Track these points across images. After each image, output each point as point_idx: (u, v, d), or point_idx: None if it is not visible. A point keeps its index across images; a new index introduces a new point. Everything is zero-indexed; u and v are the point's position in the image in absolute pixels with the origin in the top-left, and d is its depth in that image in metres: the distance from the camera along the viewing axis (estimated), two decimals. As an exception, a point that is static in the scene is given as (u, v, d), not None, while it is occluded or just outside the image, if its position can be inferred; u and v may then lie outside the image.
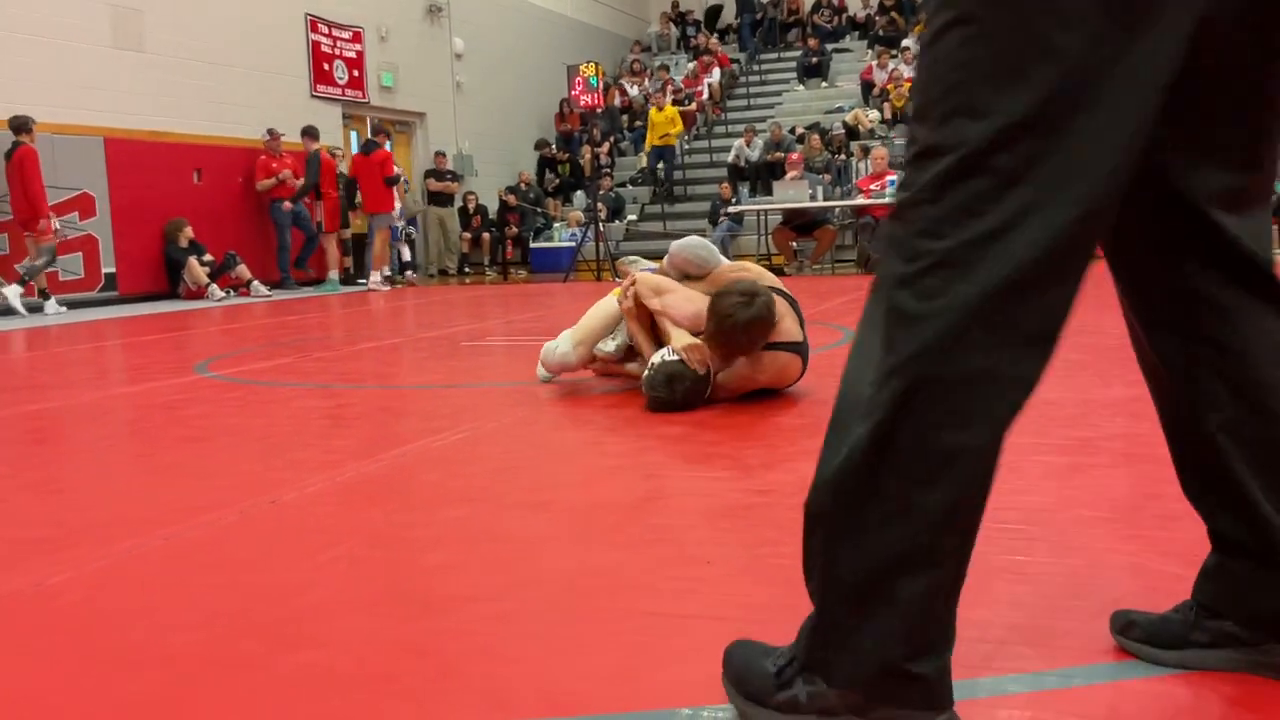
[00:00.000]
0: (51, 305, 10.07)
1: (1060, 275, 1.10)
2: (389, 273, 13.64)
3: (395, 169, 13.17)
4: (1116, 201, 1.11)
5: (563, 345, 3.98)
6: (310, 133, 12.91)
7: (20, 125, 9.87)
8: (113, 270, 11.23)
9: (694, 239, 4.00)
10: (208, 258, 11.83)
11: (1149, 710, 1.30)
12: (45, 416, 4.02)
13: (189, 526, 2.33)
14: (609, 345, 3.97)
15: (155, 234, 11.66)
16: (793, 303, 3.64)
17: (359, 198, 13.34)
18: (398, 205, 13.63)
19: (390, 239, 13.61)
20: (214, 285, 11.61)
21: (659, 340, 3.72)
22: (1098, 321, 5.78)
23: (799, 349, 3.59)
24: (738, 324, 3.35)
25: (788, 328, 3.54)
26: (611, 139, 18.02)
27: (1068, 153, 1.05)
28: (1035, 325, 1.10)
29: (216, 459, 3.12)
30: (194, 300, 11.46)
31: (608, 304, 4.01)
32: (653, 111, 16.65)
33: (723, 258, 4.04)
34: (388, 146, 13.33)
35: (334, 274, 13.21)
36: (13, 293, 9.76)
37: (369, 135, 13.79)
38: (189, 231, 11.71)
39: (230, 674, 1.53)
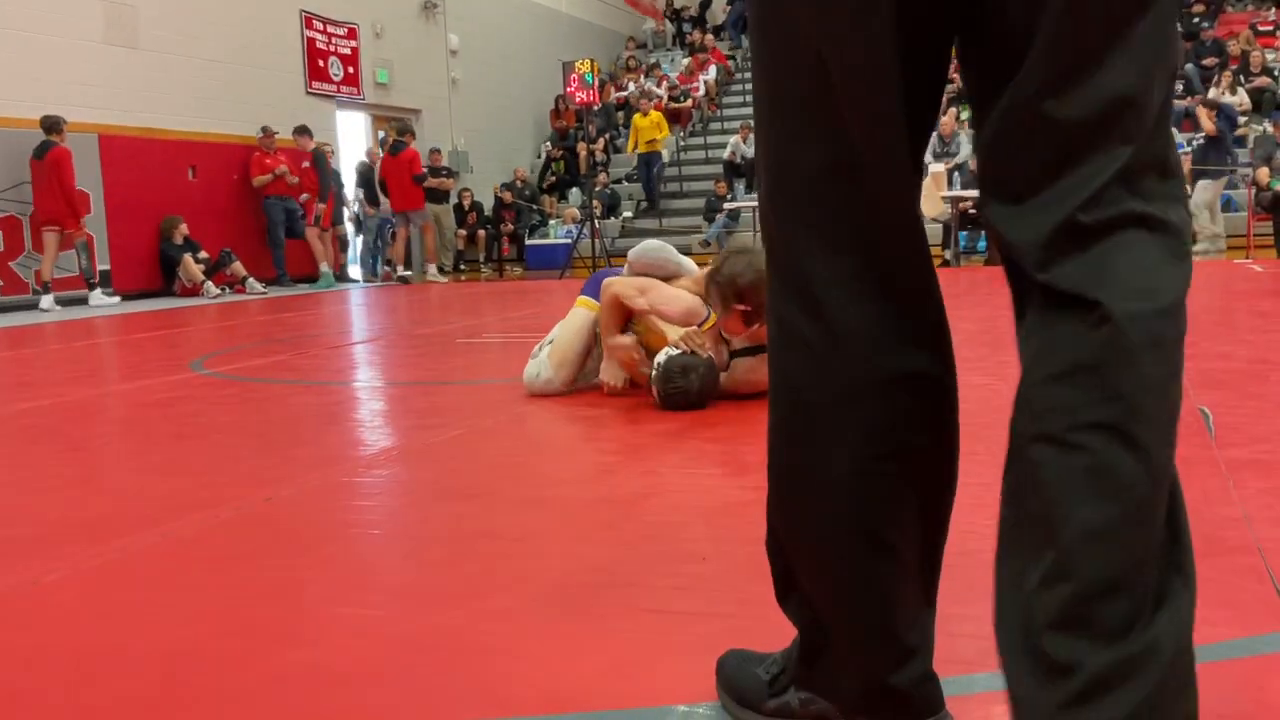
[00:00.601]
0: (97, 296, 10.55)
1: None
2: (424, 266, 14.13)
3: (423, 168, 13.61)
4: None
5: (545, 372, 3.85)
6: (305, 131, 12.86)
7: (52, 125, 10.10)
8: (107, 267, 11.21)
9: (651, 242, 3.93)
10: (203, 255, 11.81)
11: (1143, 705, 1.30)
12: (39, 414, 4.01)
13: (184, 524, 2.33)
14: (610, 375, 3.82)
15: (150, 231, 11.64)
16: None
17: (356, 195, 13.35)
18: (384, 203, 13.80)
19: (410, 235, 13.97)
20: (209, 282, 11.60)
21: (649, 345, 3.71)
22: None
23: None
24: (759, 272, 3.24)
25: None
26: (607, 135, 18.01)
27: None
28: None
29: (211, 456, 3.12)
30: (189, 297, 11.45)
31: (579, 319, 3.92)
32: (637, 117, 16.53)
33: (685, 259, 3.92)
34: (413, 145, 13.59)
35: (326, 270, 13.15)
36: (49, 301, 10.15)
37: (395, 135, 13.87)
38: (184, 228, 11.69)
39: (226, 671, 1.53)
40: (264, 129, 12.67)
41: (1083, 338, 0.91)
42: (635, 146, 16.64)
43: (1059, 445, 0.92)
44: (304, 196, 13.01)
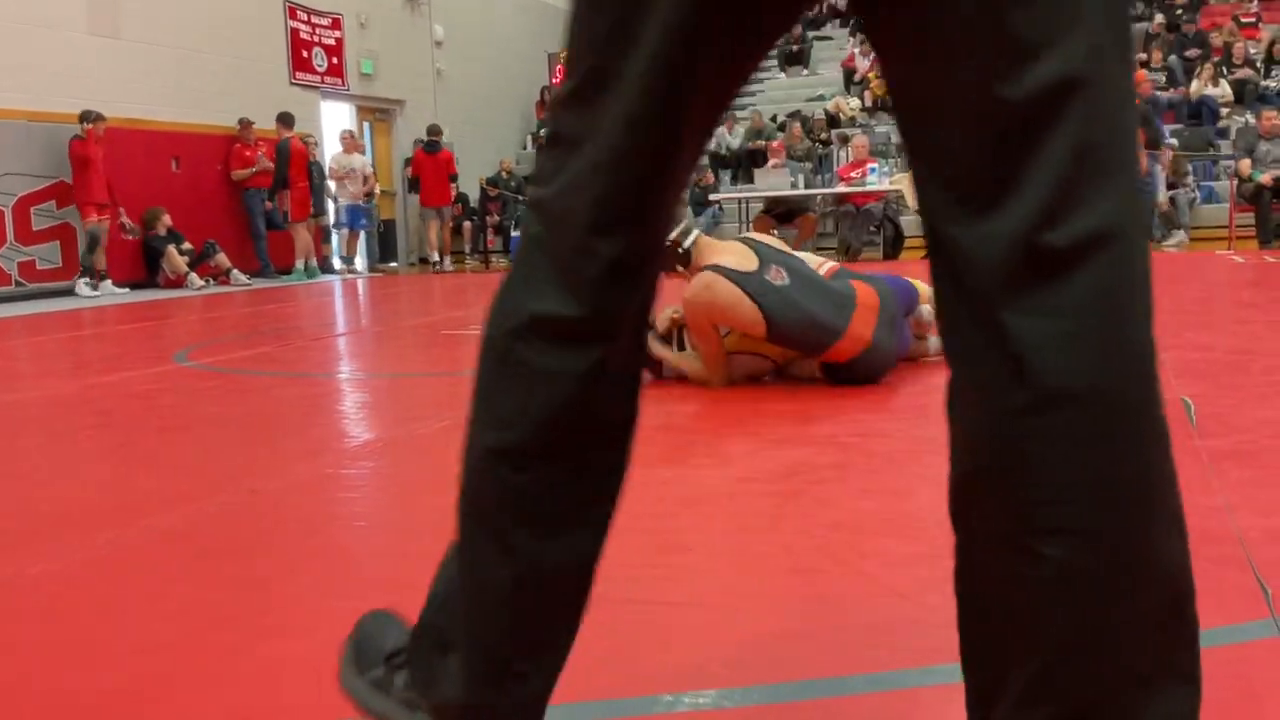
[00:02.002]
0: (107, 286, 10.67)
1: None
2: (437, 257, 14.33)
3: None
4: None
5: None
6: (285, 120, 12.72)
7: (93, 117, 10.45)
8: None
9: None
10: (186, 246, 11.75)
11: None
12: (22, 406, 3.99)
13: (168, 517, 2.32)
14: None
15: (133, 222, 11.57)
16: (760, 244, 3.58)
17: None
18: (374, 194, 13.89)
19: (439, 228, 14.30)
20: (193, 274, 11.54)
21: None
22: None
23: (733, 275, 3.40)
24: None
25: (730, 259, 3.45)
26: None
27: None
28: None
29: (196, 448, 3.11)
30: (173, 289, 11.39)
31: None
32: None
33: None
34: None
35: (301, 262, 12.97)
36: (85, 286, 10.54)
37: (429, 136, 14.19)
38: (167, 220, 11.63)
39: (211, 664, 1.53)
40: (242, 120, 12.59)
41: (1065, 421, 0.80)
42: None
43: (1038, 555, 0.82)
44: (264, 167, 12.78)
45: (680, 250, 3.50)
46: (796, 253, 3.90)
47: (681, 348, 3.80)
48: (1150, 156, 11.30)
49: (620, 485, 1.08)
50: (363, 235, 14.57)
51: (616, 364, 1.01)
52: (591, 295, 0.97)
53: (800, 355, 3.64)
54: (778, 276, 3.41)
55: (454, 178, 14.39)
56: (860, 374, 3.53)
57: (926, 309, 4.26)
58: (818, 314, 3.38)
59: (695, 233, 3.57)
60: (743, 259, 3.46)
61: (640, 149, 0.92)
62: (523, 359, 1.01)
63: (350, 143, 13.74)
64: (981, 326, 0.82)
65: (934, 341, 3.88)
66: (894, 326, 3.53)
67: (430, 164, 14.20)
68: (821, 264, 3.75)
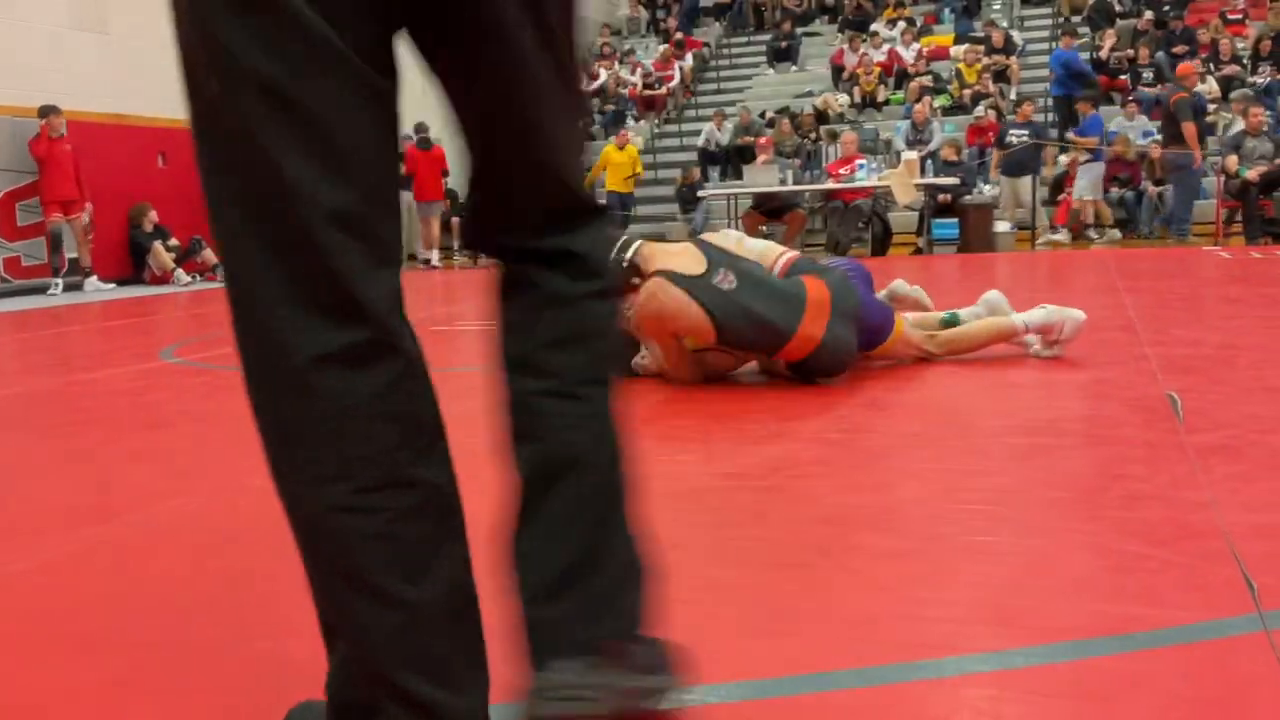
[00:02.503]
0: (92, 283, 10.60)
1: None
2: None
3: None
4: None
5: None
6: None
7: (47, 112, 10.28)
8: (75, 255, 11.09)
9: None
10: (173, 242, 11.71)
11: (1112, 688, 1.32)
12: (7, 403, 3.97)
13: (153, 513, 2.31)
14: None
15: (119, 218, 11.52)
16: (707, 246, 3.52)
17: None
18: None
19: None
20: (180, 270, 11.50)
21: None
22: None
23: (681, 280, 3.35)
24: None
25: (678, 262, 3.41)
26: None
27: None
28: None
29: (182, 445, 3.09)
30: (159, 285, 11.35)
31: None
32: (610, 150, 14.60)
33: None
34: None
35: None
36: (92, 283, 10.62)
37: (419, 133, 14.24)
38: (153, 216, 11.58)
39: (194, 661, 1.52)
40: None
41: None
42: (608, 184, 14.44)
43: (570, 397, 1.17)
44: None
45: (624, 265, 3.46)
46: (753, 241, 3.91)
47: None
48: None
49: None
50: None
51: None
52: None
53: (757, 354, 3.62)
54: (725, 280, 3.37)
55: (445, 173, 14.61)
56: (819, 370, 3.50)
57: (902, 283, 4.25)
58: (766, 315, 3.35)
59: (636, 243, 3.53)
60: (690, 262, 3.42)
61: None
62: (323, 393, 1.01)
63: None
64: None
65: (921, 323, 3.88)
66: (850, 320, 3.47)
67: (425, 160, 14.37)
68: (782, 253, 3.74)
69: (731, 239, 3.80)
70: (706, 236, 3.72)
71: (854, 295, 3.52)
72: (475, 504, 1.23)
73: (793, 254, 3.75)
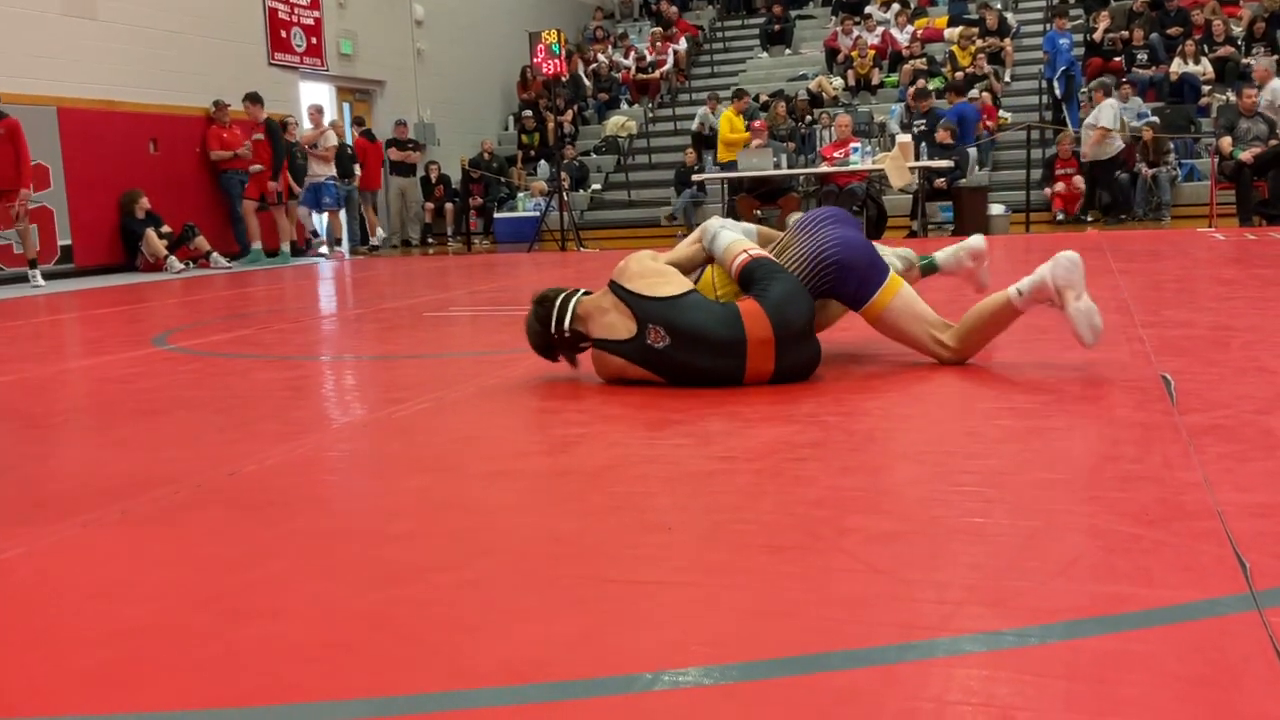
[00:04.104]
0: (37, 277, 10.03)
1: None
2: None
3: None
4: None
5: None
6: (256, 99, 12.33)
7: None
8: (68, 243, 11.05)
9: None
10: (165, 229, 11.67)
11: (1105, 668, 1.32)
12: (-1, 391, 3.96)
13: (144, 500, 2.31)
14: None
15: (111, 205, 11.48)
16: (633, 299, 3.31)
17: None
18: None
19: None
20: (172, 257, 11.46)
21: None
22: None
23: (618, 349, 3.33)
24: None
25: (612, 324, 3.34)
26: (575, 107, 17.89)
27: None
28: None
29: (174, 432, 3.08)
30: (152, 272, 11.31)
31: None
32: (729, 115, 13.64)
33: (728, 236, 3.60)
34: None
35: (288, 245, 12.79)
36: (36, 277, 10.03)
37: (360, 126, 14.40)
38: (145, 202, 11.53)
39: (186, 647, 1.52)
40: (216, 102, 12.46)
41: None
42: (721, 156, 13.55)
43: None
44: (255, 168, 12.42)
45: (566, 334, 3.44)
46: (682, 246, 3.70)
47: None
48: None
49: None
50: (342, 216, 14.44)
51: None
52: None
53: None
54: (657, 339, 3.25)
55: (383, 164, 15.17)
56: (787, 379, 3.34)
57: (895, 254, 3.93)
58: (709, 367, 3.26)
59: (570, 307, 3.44)
60: (620, 324, 3.32)
61: None
62: None
63: (318, 118, 13.40)
64: None
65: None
66: (803, 337, 3.30)
67: (373, 151, 14.87)
68: (739, 254, 3.43)
69: (644, 262, 3.46)
70: (626, 263, 3.46)
71: (799, 306, 3.29)
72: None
73: (752, 254, 3.42)
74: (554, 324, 3.46)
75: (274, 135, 12.38)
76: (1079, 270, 3.20)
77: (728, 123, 13.56)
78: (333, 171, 13.36)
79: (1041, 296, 3.23)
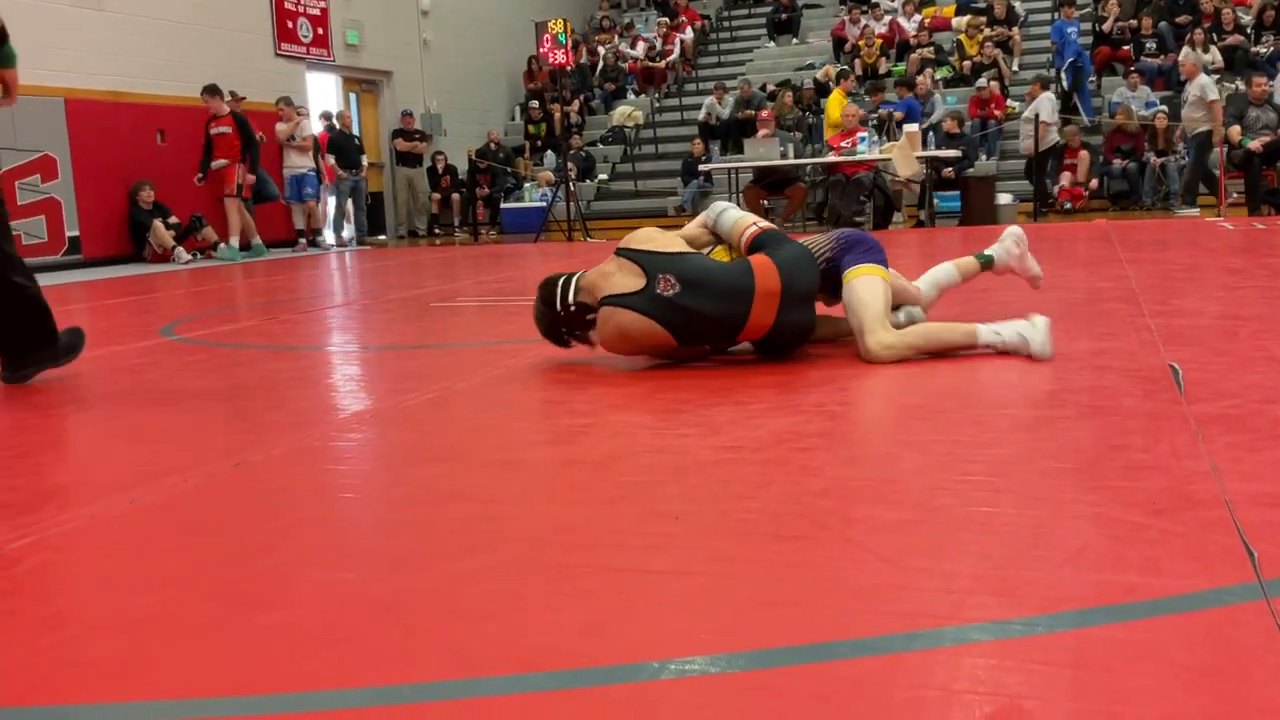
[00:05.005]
0: None
1: None
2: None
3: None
4: None
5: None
6: (214, 91, 11.80)
7: None
8: (76, 233, 11.08)
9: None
10: (173, 220, 11.68)
11: (1112, 657, 1.32)
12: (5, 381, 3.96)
13: (152, 490, 2.31)
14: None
15: (119, 196, 11.50)
16: (642, 255, 3.43)
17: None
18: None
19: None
20: (180, 248, 11.47)
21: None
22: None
23: (626, 301, 3.38)
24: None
25: (618, 282, 3.42)
26: (582, 97, 17.87)
27: None
28: None
29: (182, 422, 3.09)
30: (160, 263, 11.33)
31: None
32: (835, 101, 13.07)
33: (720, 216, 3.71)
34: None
35: (234, 242, 12.04)
36: None
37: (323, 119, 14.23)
38: (148, 193, 11.54)
39: (194, 636, 1.52)
40: (223, 92, 12.41)
41: None
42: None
43: None
44: (219, 163, 11.86)
45: (572, 309, 3.55)
46: (690, 225, 3.78)
47: None
48: None
49: None
50: (350, 206, 14.46)
51: None
52: None
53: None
54: (666, 287, 3.35)
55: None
56: (780, 346, 3.50)
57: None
58: (712, 313, 3.34)
59: (575, 280, 3.56)
60: (629, 278, 3.41)
61: None
62: None
63: (289, 110, 13.29)
64: None
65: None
66: (806, 300, 3.43)
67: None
68: (749, 226, 3.58)
69: (651, 231, 3.60)
70: (633, 235, 3.58)
71: (808, 272, 3.43)
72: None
73: (761, 225, 3.59)
74: (559, 300, 3.57)
75: (243, 127, 11.96)
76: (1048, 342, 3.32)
77: (836, 104, 12.94)
78: (312, 163, 13.28)
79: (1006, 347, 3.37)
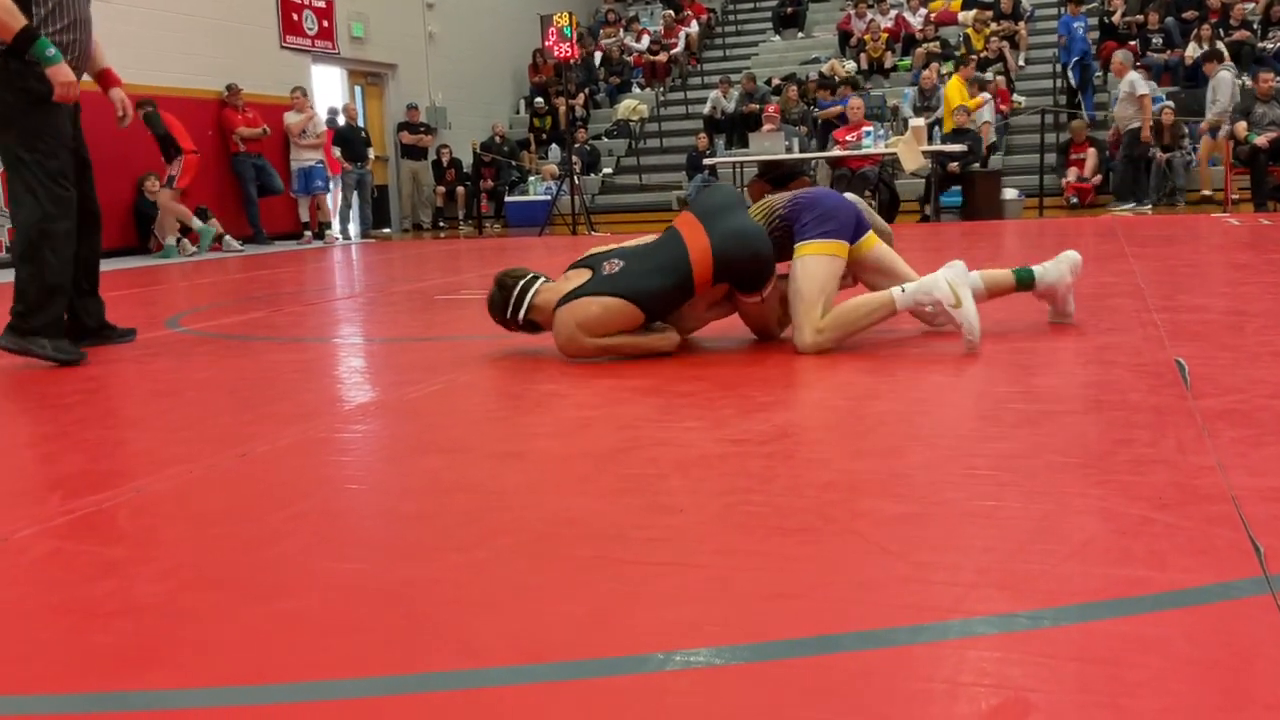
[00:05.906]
0: None
1: None
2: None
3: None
4: None
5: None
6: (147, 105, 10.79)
7: None
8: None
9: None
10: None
11: (1117, 650, 1.32)
12: (10, 372, 3.97)
13: (157, 479, 2.32)
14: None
15: (124, 188, 11.50)
16: (586, 259, 3.64)
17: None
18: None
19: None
20: (185, 240, 11.47)
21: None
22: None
23: (578, 291, 3.49)
24: None
25: (568, 286, 3.56)
26: (587, 91, 17.85)
27: None
28: None
29: (187, 413, 3.09)
30: (164, 256, 11.33)
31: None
32: (955, 88, 12.73)
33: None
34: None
35: (173, 239, 11.49)
36: None
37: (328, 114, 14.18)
38: (152, 184, 11.53)
39: (199, 624, 1.53)
40: (229, 86, 12.46)
41: None
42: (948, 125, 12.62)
43: None
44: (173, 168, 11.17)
45: (520, 324, 3.71)
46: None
47: None
48: None
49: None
50: (355, 200, 14.45)
51: None
52: None
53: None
54: (611, 268, 3.52)
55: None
56: (747, 275, 3.54)
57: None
58: (663, 282, 3.47)
59: (527, 299, 3.66)
60: (577, 277, 3.59)
61: None
62: None
63: (303, 100, 13.27)
64: None
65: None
66: (741, 240, 3.48)
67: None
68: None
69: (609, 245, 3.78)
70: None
71: (736, 216, 3.54)
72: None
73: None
74: (510, 308, 3.69)
75: (153, 123, 10.97)
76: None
77: (957, 91, 12.64)
78: (320, 156, 13.26)
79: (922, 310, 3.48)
